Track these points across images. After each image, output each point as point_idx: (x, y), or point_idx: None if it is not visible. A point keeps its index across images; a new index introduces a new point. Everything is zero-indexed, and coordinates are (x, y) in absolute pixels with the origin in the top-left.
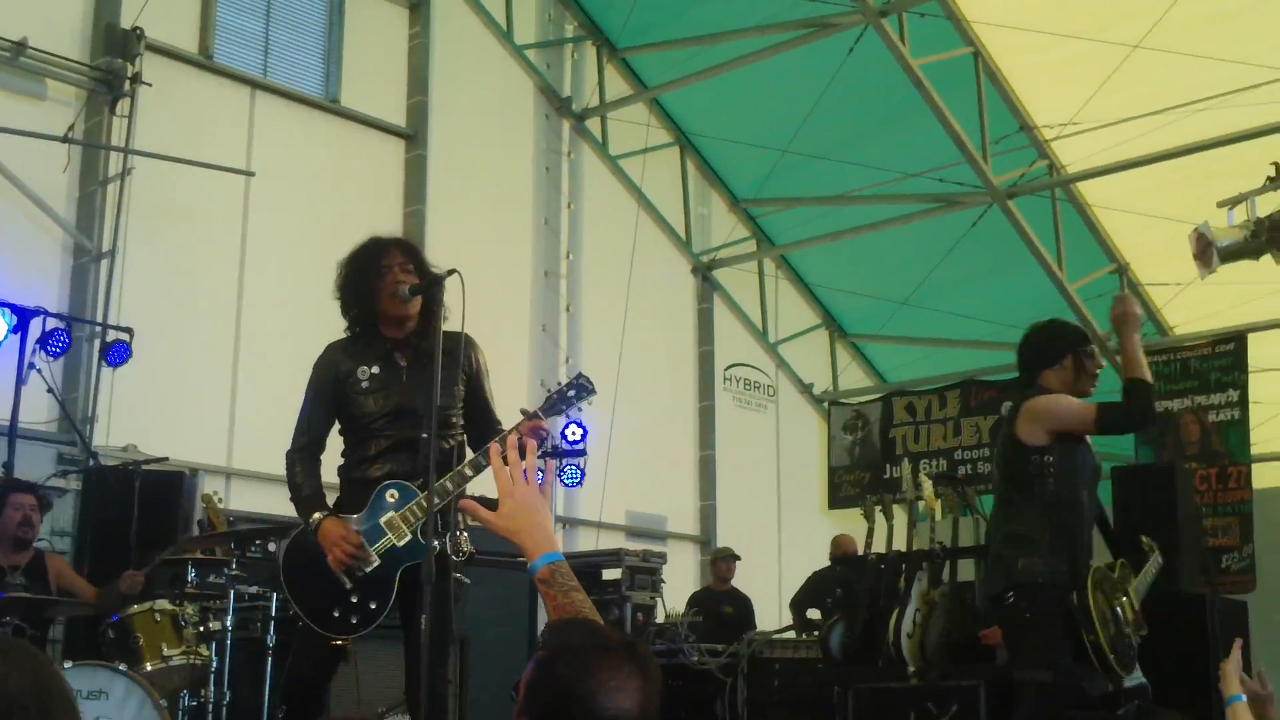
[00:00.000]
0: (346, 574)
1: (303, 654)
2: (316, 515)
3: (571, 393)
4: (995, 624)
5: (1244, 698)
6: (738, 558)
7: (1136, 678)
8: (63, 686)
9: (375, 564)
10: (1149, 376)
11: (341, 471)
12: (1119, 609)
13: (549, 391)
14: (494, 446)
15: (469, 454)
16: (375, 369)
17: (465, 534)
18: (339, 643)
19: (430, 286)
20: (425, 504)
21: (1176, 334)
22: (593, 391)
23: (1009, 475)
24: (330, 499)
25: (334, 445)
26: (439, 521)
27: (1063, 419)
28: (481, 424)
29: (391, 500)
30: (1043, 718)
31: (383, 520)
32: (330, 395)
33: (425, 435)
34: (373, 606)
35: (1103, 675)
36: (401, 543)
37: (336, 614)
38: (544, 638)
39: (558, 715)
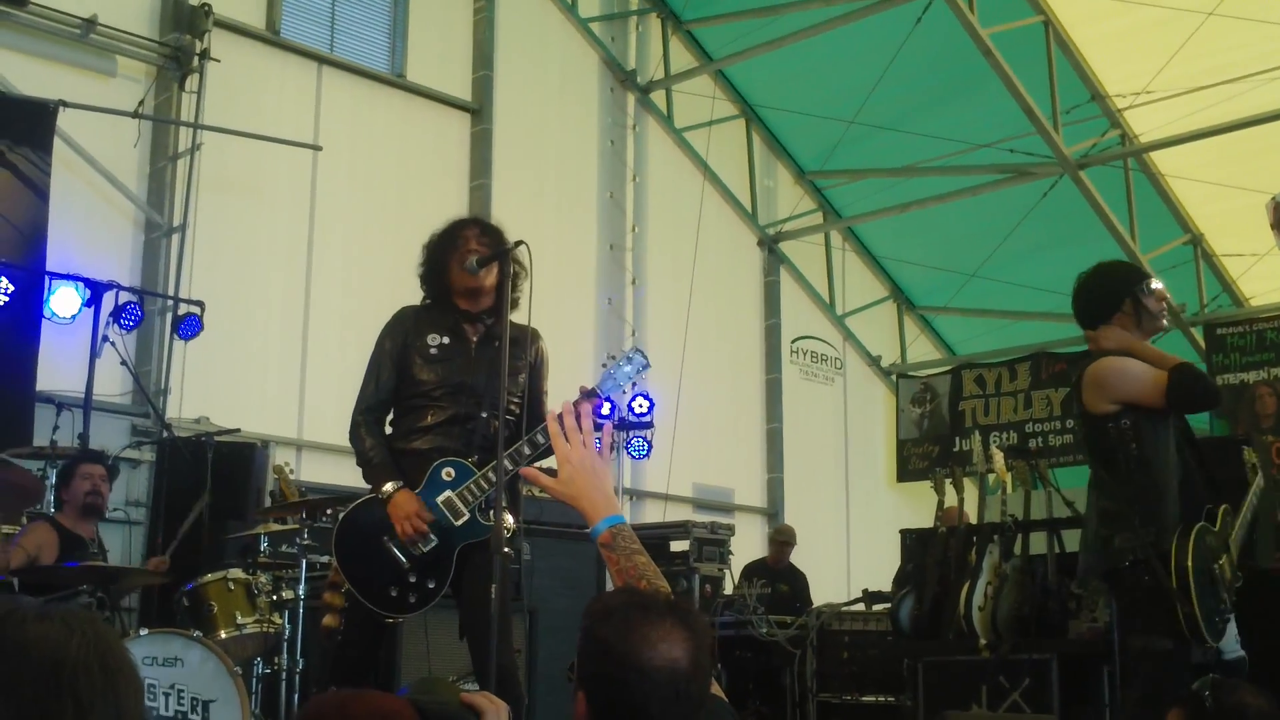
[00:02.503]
0: (403, 552)
1: (353, 633)
2: (388, 486)
3: (628, 367)
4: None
5: None
6: (791, 543)
7: (1235, 650)
8: (124, 650)
9: (434, 543)
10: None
11: (390, 440)
12: (1218, 570)
13: (604, 366)
14: (551, 414)
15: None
16: (446, 339)
17: (506, 510)
18: (390, 621)
19: (498, 256)
20: (482, 484)
21: (1252, 305)
22: (647, 365)
23: (1091, 449)
24: None
25: None
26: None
27: (1128, 391)
28: (533, 417)
29: (448, 479)
30: (1170, 685)
31: (440, 499)
32: (401, 356)
33: (485, 415)
34: (430, 586)
35: (1195, 645)
36: (459, 522)
37: (394, 593)
38: (586, 609)
39: (606, 677)
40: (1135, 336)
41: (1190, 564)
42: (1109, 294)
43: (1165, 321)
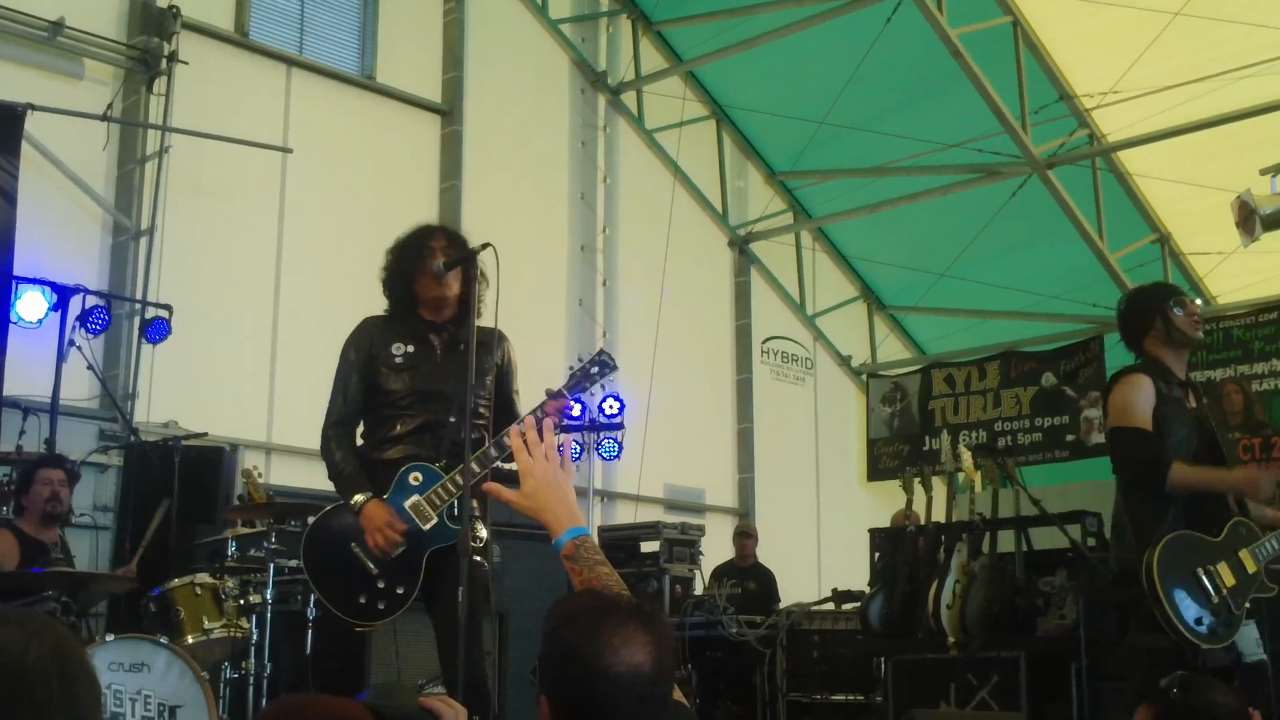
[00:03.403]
0: (372, 559)
1: (325, 643)
2: (359, 497)
3: (595, 369)
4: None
5: None
6: (753, 535)
7: (1256, 653)
8: (83, 657)
9: (402, 548)
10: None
11: (360, 451)
12: (1210, 575)
13: (571, 369)
14: (514, 428)
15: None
16: (410, 347)
17: (479, 520)
18: (361, 629)
19: (465, 260)
20: (449, 487)
21: (1219, 303)
22: (614, 368)
23: (1112, 460)
24: None
25: None
26: (462, 504)
27: (1112, 418)
28: (506, 419)
29: (415, 483)
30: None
31: (407, 504)
32: (366, 367)
33: (453, 420)
34: (400, 591)
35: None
36: (427, 526)
37: (363, 600)
38: (549, 613)
39: (570, 680)
40: (1169, 352)
41: (1156, 570)
42: (1143, 313)
43: (1200, 334)
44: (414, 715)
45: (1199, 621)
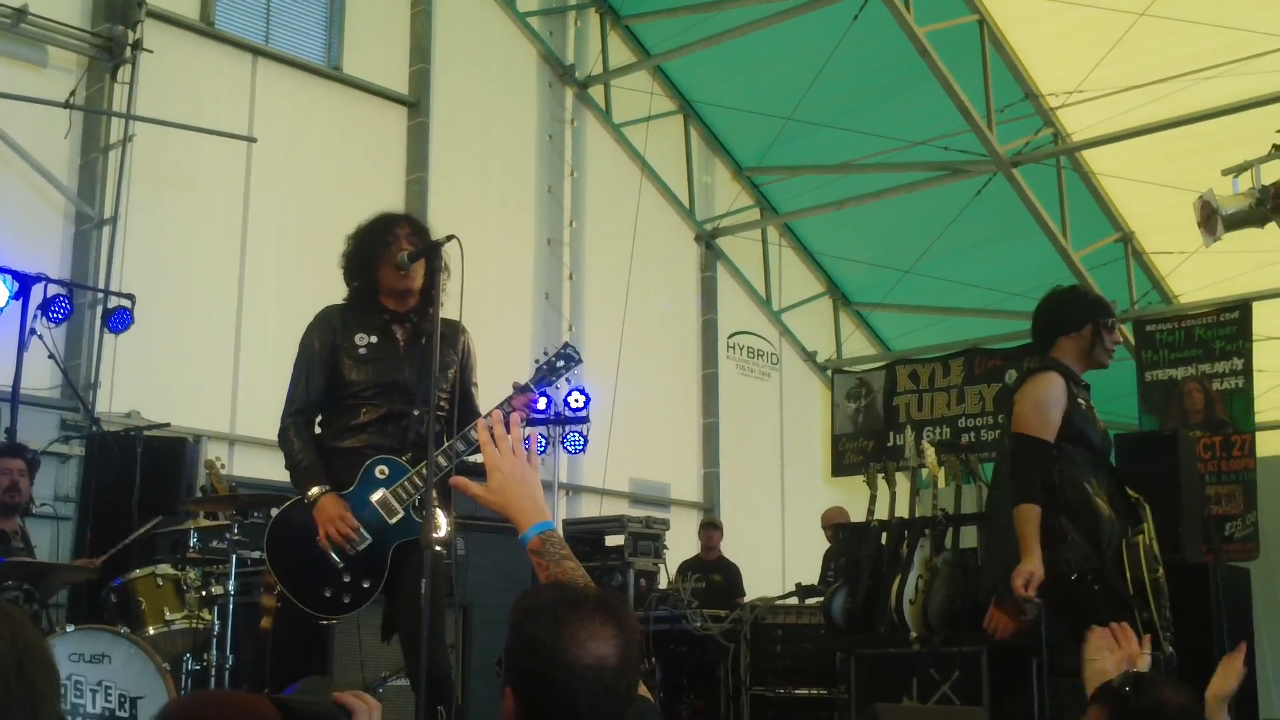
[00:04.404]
0: (337, 552)
1: (286, 634)
2: (314, 490)
3: (560, 363)
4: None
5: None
6: (718, 526)
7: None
8: (44, 648)
9: (368, 542)
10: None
11: (319, 441)
12: (1160, 581)
13: (536, 363)
14: (481, 422)
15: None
16: (374, 339)
17: (441, 514)
18: (325, 623)
19: (429, 251)
20: (416, 480)
21: (1181, 302)
22: (578, 361)
23: (1009, 456)
24: None
25: None
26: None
27: (1021, 420)
28: (464, 412)
29: (381, 476)
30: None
31: (374, 498)
32: (329, 357)
33: (417, 412)
34: (365, 585)
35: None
36: (393, 520)
37: (328, 594)
38: (514, 604)
39: (535, 673)
40: (1078, 361)
41: (1145, 573)
42: (1077, 314)
43: (1109, 362)
44: (325, 710)
45: (1166, 626)
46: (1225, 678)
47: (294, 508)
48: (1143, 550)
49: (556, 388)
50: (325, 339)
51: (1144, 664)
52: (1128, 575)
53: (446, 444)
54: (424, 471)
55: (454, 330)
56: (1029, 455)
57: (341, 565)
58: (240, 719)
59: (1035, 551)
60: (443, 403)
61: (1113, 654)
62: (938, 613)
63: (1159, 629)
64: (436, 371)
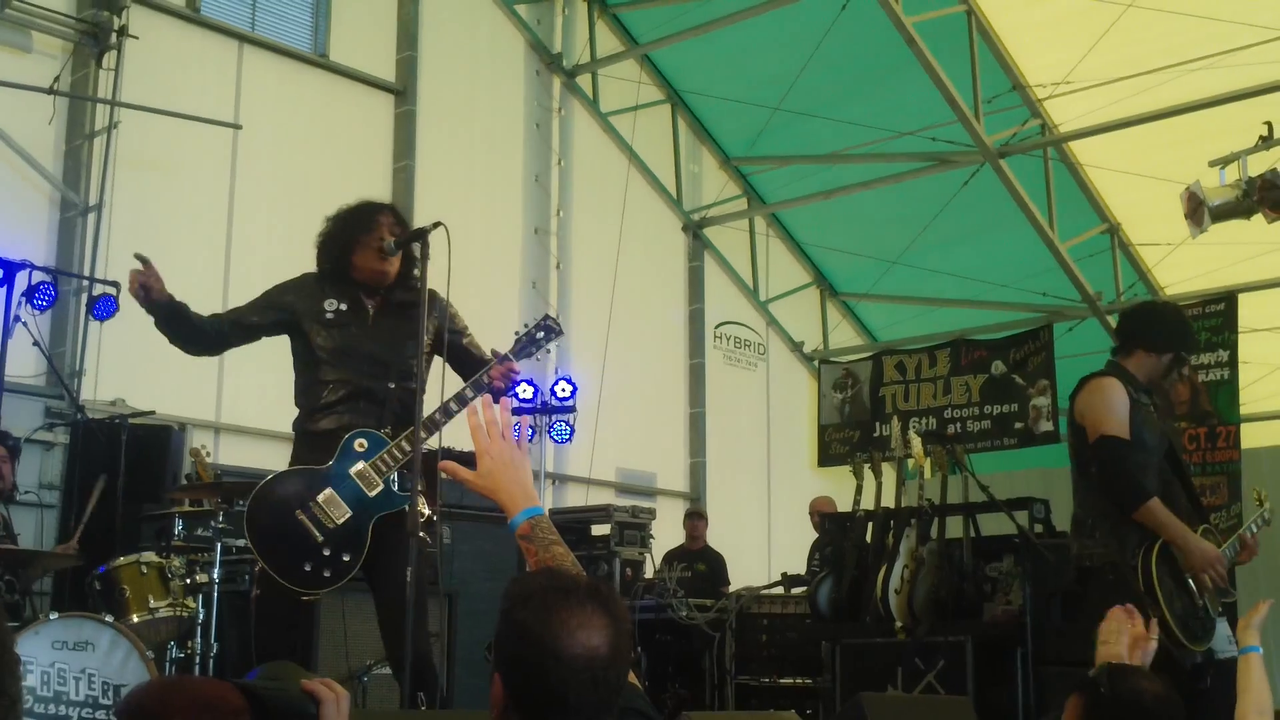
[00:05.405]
0: (316, 526)
1: (268, 608)
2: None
3: (541, 334)
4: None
5: (1260, 649)
6: (704, 515)
7: (1228, 650)
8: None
9: (347, 515)
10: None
11: (296, 425)
12: (1191, 580)
13: (517, 334)
14: (470, 408)
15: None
16: (343, 305)
17: (424, 495)
18: (308, 598)
19: (416, 238)
20: (396, 453)
21: (1167, 294)
22: (559, 332)
23: (1073, 455)
24: (285, 452)
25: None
26: (408, 473)
27: (1092, 420)
28: (467, 363)
29: (360, 449)
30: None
31: (352, 470)
32: (289, 303)
33: (393, 386)
34: (345, 559)
35: (1174, 649)
36: (373, 493)
37: (308, 568)
38: (506, 590)
39: (524, 661)
40: (1142, 377)
41: (1155, 572)
42: (1166, 337)
43: (1173, 399)
44: (292, 697)
45: (1186, 624)
46: (1256, 610)
47: (273, 483)
48: (1167, 551)
49: (544, 375)
50: (301, 297)
51: (1150, 648)
52: (1139, 574)
53: (426, 416)
54: (404, 443)
55: (433, 298)
56: (1116, 454)
57: (321, 539)
58: (206, 706)
59: (1189, 534)
60: (414, 369)
61: (1125, 637)
62: (923, 602)
63: (1173, 629)
64: (423, 349)
